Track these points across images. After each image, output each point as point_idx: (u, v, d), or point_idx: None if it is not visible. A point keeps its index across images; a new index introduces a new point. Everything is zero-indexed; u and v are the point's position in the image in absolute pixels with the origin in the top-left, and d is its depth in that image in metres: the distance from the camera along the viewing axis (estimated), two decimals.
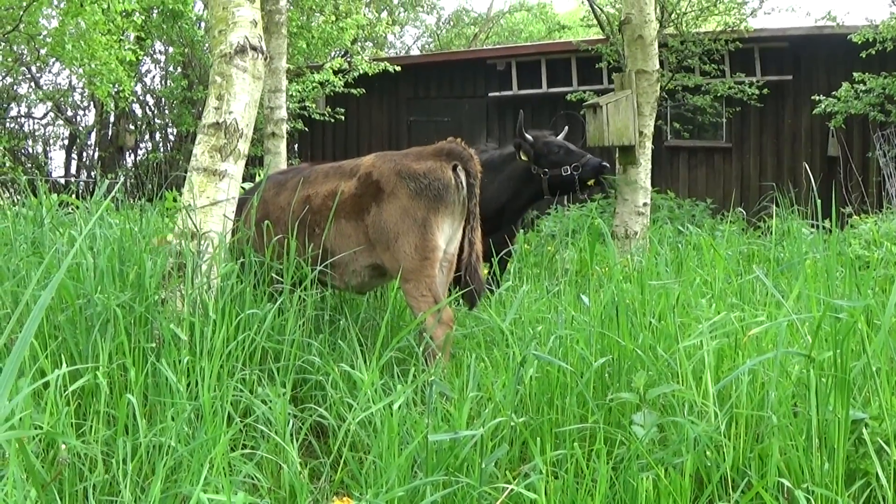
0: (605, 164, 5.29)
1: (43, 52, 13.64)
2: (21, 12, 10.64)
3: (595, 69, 12.87)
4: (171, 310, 3.01)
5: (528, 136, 5.34)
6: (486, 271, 5.99)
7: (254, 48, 3.62)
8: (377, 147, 14.28)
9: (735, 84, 11.91)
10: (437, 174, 3.45)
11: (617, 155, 6.98)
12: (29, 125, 17.90)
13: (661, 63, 10.17)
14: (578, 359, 2.74)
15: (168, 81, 17.30)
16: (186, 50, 15.96)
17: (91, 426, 2.36)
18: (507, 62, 14.19)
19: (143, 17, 14.24)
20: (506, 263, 5.33)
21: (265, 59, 3.70)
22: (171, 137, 17.15)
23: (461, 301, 3.66)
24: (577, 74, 13.60)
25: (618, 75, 6.97)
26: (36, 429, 2.13)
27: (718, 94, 11.96)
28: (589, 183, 5.27)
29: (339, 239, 3.61)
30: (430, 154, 3.55)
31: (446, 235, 3.52)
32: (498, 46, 20.17)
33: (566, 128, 5.80)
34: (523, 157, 5.26)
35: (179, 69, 16.84)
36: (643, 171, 6.86)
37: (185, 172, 3.56)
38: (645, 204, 6.88)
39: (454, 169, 3.49)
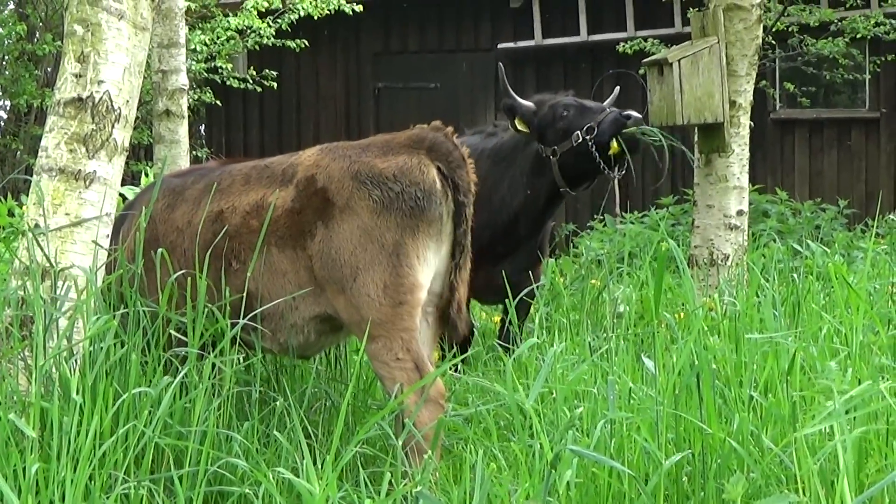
0: (627, 113, 5.26)
1: None
2: None
3: (661, 6, 12.98)
4: (10, 390, 3.01)
5: (523, 101, 5.38)
6: (497, 318, 6.03)
7: None
8: (328, 131, 14.34)
9: (886, 17, 11.82)
10: (415, 176, 3.49)
11: (696, 138, 7.03)
12: None
13: None
14: (641, 455, 2.75)
15: None
16: None
17: None
18: None
19: None
20: (527, 309, 5.35)
21: None
22: (2, 114, 17.15)
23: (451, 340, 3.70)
24: (633, 14, 13.70)
25: (697, 14, 7.01)
26: None
27: (858, 36, 11.87)
28: (611, 151, 5.13)
29: (269, 277, 3.64)
30: (403, 145, 3.60)
31: (431, 268, 3.56)
32: None
33: (616, 92, 5.85)
34: (519, 127, 5.27)
35: (11, 4, 16.84)
36: (737, 161, 6.88)
37: (28, 175, 3.58)
38: (740, 212, 6.90)
39: (439, 169, 3.54)
